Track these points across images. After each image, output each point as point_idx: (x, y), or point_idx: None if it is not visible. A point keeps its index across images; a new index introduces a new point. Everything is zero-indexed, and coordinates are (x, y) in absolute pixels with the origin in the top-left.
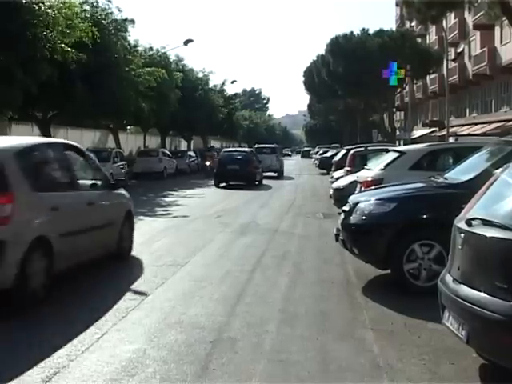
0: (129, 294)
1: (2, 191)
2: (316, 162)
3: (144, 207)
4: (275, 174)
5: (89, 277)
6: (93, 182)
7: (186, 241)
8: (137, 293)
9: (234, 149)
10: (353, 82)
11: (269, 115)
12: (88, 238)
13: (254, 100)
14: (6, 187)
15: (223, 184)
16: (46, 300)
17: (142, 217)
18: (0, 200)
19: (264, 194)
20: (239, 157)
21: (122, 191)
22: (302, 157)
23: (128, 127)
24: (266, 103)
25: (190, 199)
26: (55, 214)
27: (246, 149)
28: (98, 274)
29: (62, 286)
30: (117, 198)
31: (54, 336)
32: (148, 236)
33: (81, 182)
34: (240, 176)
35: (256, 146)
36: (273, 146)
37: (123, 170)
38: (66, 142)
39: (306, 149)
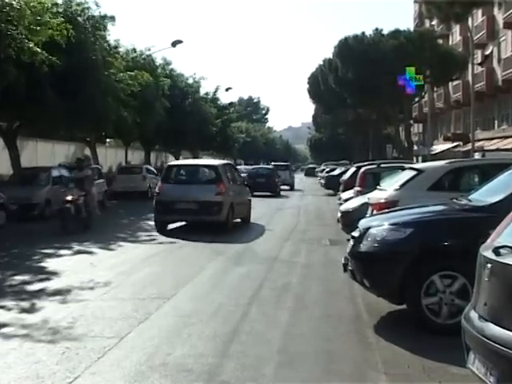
0: (106, 331)
1: (220, 181)
2: (322, 181)
3: (125, 231)
4: (288, 187)
5: (62, 310)
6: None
7: (172, 270)
8: (115, 330)
9: (258, 166)
10: (364, 90)
11: (268, 127)
12: (240, 207)
13: (252, 110)
14: (221, 180)
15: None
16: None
17: (122, 243)
18: (221, 186)
19: (262, 217)
20: (264, 172)
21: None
22: (305, 175)
23: (107, 140)
24: (266, 114)
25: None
26: (234, 193)
27: (270, 166)
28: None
29: (32, 320)
30: (246, 191)
31: (17, 381)
32: (129, 264)
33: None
34: (266, 187)
35: (272, 163)
36: (286, 163)
37: (102, 189)
38: (231, 162)
39: (310, 166)
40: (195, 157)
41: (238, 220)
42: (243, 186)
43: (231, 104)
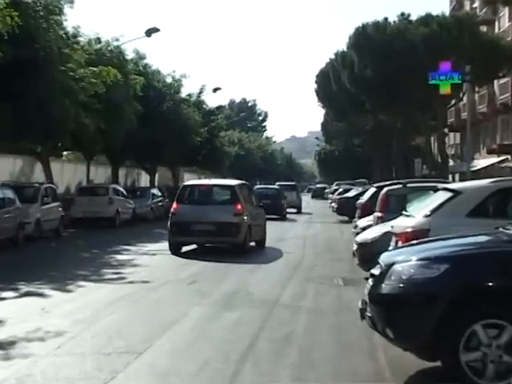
0: None
1: (238, 202)
2: (333, 204)
3: (86, 268)
4: (295, 210)
5: (4, 369)
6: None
7: (146, 317)
8: None
9: (264, 186)
10: (387, 91)
11: (267, 138)
12: (256, 229)
13: (246, 116)
14: (239, 200)
15: None
16: None
17: (82, 282)
18: (239, 206)
19: (257, 248)
20: (270, 193)
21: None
22: (313, 197)
23: (64, 153)
24: (263, 120)
25: (153, 257)
26: (251, 215)
27: (275, 186)
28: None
29: None
30: (262, 212)
31: None
32: (91, 310)
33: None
34: (271, 209)
35: (278, 183)
36: (293, 183)
37: (57, 215)
38: (247, 183)
39: (318, 186)
40: (174, 174)
41: (253, 243)
42: (259, 207)
43: (220, 108)
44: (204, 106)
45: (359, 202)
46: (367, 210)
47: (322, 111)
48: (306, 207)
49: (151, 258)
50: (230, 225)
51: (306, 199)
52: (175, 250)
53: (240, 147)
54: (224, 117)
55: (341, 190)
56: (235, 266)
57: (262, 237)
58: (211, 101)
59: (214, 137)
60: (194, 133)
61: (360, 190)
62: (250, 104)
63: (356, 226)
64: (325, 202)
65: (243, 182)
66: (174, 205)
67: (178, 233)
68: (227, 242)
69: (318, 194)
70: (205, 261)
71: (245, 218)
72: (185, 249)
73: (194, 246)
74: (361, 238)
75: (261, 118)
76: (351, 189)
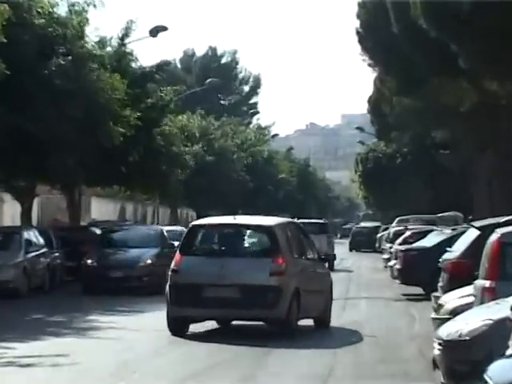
0: None
1: (278, 252)
2: (393, 262)
3: None
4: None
5: None
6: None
7: None
8: None
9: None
10: (500, 35)
11: (260, 127)
12: (311, 298)
13: (219, 84)
14: (279, 249)
15: None
16: None
17: None
18: (279, 260)
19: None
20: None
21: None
22: (351, 246)
23: None
24: (252, 93)
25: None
26: (301, 274)
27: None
28: None
29: None
30: (324, 270)
31: None
32: None
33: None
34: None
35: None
36: (321, 221)
37: None
38: (295, 221)
39: (364, 225)
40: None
41: (307, 320)
42: (318, 261)
43: (162, 66)
44: (132, 64)
45: (446, 257)
46: (462, 275)
47: (370, 76)
48: (339, 264)
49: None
50: (265, 289)
51: (340, 251)
52: (178, 328)
53: (206, 145)
54: (175, 89)
55: (408, 233)
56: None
57: (324, 311)
58: (149, 54)
59: (153, 126)
60: (112, 119)
61: (447, 233)
62: (224, 59)
63: (439, 307)
64: (375, 258)
65: (288, 219)
66: (177, 257)
67: (182, 302)
68: (260, 316)
69: (362, 243)
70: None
71: (289, 278)
72: (194, 328)
73: (208, 324)
74: (449, 330)
75: (246, 87)
76: (429, 231)
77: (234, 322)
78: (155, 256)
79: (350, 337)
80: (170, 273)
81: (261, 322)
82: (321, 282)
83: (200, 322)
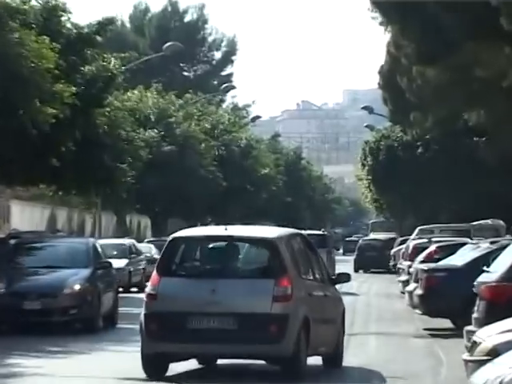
0: None
1: (284, 271)
2: (414, 286)
3: None
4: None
5: None
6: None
7: None
8: None
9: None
10: None
11: (236, 107)
12: (322, 329)
13: (179, 50)
14: (285, 268)
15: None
16: None
17: None
18: (284, 281)
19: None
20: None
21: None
22: (358, 265)
23: None
24: (225, 61)
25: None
26: (310, 299)
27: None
28: None
29: None
30: (335, 294)
31: None
32: None
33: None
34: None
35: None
36: (320, 233)
37: None
38: (302, 232)
39: (374, 237)
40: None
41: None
42: (327, 282)
43: (105, 26)
44: (67, 25)
45: (483, 280)
46: (504, 303)
47: (381, 39)
48: (340, 288)
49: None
50: (267, 319)
51: (343, 271)
52: (155, 369)
53: (164, 131)
54: (122, 57)
55: (433, 247)
56: None
57: (336, 345)
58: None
59: (94, 106)
60: (39, 96)
61: (484, 248)
62: (188, 17)
63: (474, 345)
64: (389, 280)
65: (293, 230)
66: (154, 278)
67: (161, 335)
68: (261, 353)
69: (372, 260)
70: None
71: (297, 304)
72: (175, 367)
73: (193, 363)
74: (487, 376)
75: (218, 54)
76: (460, 245)
77: (221, 361)
78: (85, 279)
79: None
80: (145, 299)
81: (261, 361)
82: (332, 309)
83: (183, 360)
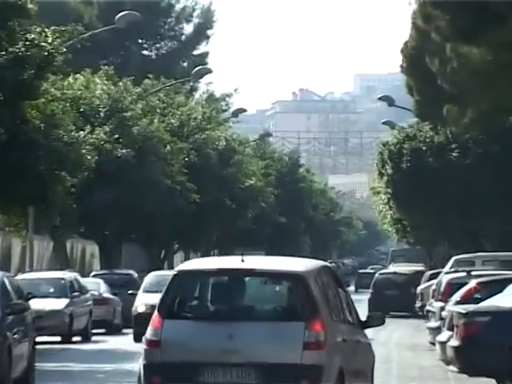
0: None
1: (316, 314)
2: (448, 336)
3: None
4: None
5: None
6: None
7: None
8: None
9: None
10: None
11: (213, 99)
12: (357, 379)
13: (148, 24)
14: (317, 311)
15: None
16: None
17: None
18: (316, 326)
19: None
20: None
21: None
22: (374, 306)
23: None
24: (199, 37)
25: None
26: (344, 346)
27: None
28: None
29: None
30: (366, 340)
31: None
32: None
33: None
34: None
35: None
36: (326, 264)
37: None
38: (331, 265)
39: (395, 270)
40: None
41: None
42: (357, 325)
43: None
44: None
45: None
46: None
47: (404, 11)
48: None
49: None
50: (297, 370)
51: None
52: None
53: (117, 130)
54: (62, 31)
55: (473, 283)
56: None
57: None
58: None
59: (25, 95)
60: None
61: None
62: None
63: None
64: (415, 327)
65: (321, 262)
66: (156, 321)
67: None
68: None
69: (393, 300)
70: None
71: (331, 352)
72: None
73: None
74: None
75: (188, 27)
76: (508, 281)
77: None
78: None
79: None
80: (144, 346)
81: None
82: (365, 358)
83: None
